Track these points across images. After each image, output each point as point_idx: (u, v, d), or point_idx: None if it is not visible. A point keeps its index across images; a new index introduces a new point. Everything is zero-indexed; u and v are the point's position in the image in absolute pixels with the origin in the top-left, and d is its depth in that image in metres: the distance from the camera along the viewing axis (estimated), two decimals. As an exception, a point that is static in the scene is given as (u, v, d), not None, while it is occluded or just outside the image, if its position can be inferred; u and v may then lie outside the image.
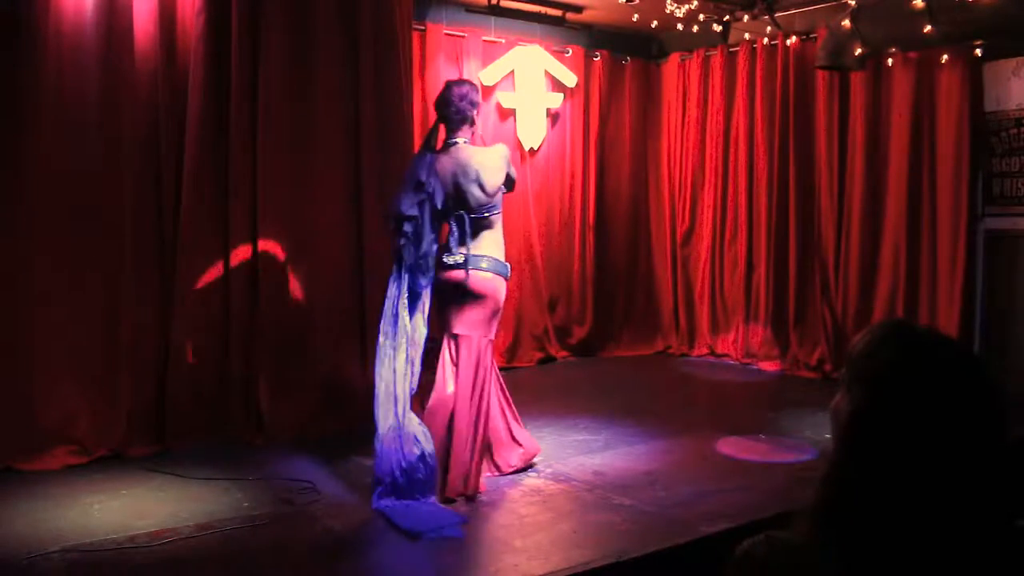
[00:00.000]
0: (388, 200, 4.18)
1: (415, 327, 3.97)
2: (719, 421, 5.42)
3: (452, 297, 4.06)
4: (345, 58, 5.21)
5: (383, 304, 3.96)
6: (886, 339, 1.15)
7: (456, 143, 4.09)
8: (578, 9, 7.20)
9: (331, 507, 3.80)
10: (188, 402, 4.72)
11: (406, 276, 3.94)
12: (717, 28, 6.65)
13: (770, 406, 5.84)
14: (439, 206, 3.98)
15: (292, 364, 5.02)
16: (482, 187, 4.00)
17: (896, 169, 6.42)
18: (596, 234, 7.72)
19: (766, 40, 7.03)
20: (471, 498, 3.92)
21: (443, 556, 3.37)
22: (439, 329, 4.19)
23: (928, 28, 5.56)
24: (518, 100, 7.19)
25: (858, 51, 5.89)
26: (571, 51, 7.53)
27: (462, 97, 4.10)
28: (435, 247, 4.01)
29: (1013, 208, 5.95)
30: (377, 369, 3.90)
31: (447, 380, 4.07)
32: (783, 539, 1.14)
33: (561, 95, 7.46)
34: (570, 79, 7.47)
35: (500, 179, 4.06)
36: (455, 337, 4.07)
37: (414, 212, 3.95)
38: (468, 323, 4.05)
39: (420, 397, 4.14)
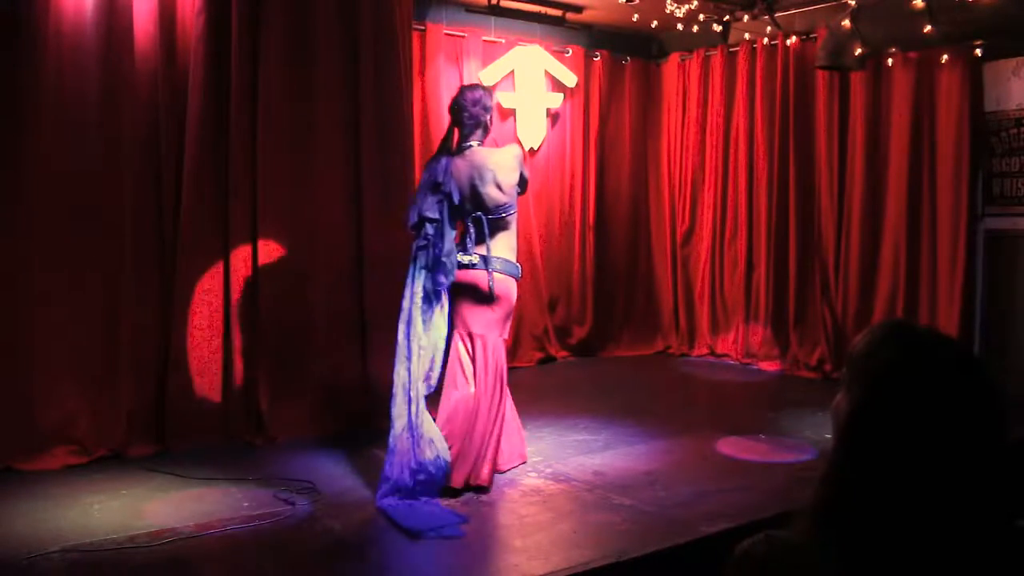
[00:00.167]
0: (407, 207, 4.24)
1: (435, 326, 4.01)
2: (719, 421, 5.42)
3: (467, 297, 4.10)
4: (345, 58, 5.21)
5: (400, 303, 4.00)
6: (886, 339, 1.15)
7: (470, 146, 4.15)
8: (578, 9, 7.20)
9: (331, 507, 3.79)
10: (188, 402, 4.72)
11: (421, 276, 3.98)
12: (717, 28, 6.65)
13: (770, 406, 5.84)
14: (456, 203, 4.04)
15: (292, 364, 5.02)
16: (499, 187, 4.06)
17: (896, 169, 6.42)
18: (596, 234, 7.72)
19: (766, 40, 7.03)
20: (483, 491, 3.97)
21: (443, 556, 3.37)
22: (451, 326, 4.23)
23: (928, 28, 5.56)
24: (518, 100, 7.19)
25: (858, 51, 5.89)
26: (571, 51, 7.53)
27: (475, 102, 4.16)
28: (455, 248, 4.06)
29: (1013, 208, 5.95)
30: (396, 368, 3.95)
31: (466, 378, 4.10)
32: (783, 539, 1.14)
33: (561, 95, 7.46)
34: (570, 79, 7.47)
35: (515, 178, 4.12)
36: (470, 335, 4.12)
37: (435, 214, 4.01)
38: (485, 323, 4.11)
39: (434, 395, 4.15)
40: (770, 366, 7.09)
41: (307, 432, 4.94)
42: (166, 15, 4.73)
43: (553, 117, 7.50)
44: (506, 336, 4.21)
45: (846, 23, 5.79)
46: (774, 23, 6.57)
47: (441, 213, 4.02)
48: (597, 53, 7.67)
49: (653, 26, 6.96)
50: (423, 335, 3.96)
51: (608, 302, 7.81)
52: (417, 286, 3.98)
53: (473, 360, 4.11)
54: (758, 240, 7.23)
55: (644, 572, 3.21)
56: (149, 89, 4.68)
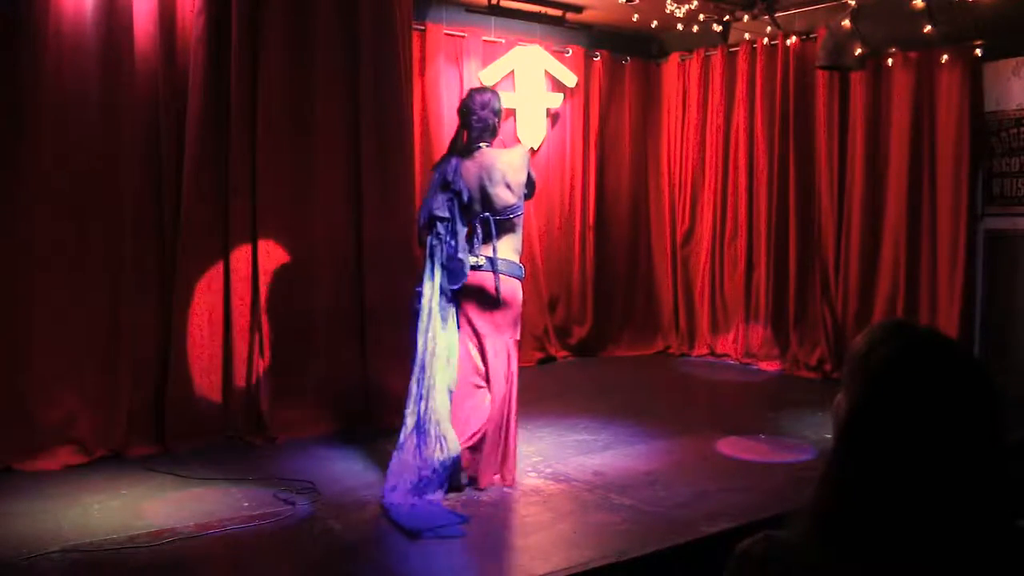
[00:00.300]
0: (419, 208, 4.30)
1: (451, 326, 4.06)
2: (719, 421, 5.42)
3: (474, 299, 4.12)
4: (345, 58, 5.21)
5: (410, 302, 4.07)
6: (885, 338, 1.15)
7: (479, 147, 4.19)
8: (578, 9, 7.20)
9: (331, 507, 3.79)
10: (188, 402, 4.72)
11: (438, 273, 4.03)
12: (717, 28, 6.65)
13: (770, 406, 5.84)
14: (465, 201, 4.08)
15: (292, 364, 5.02)
16: (508, 187, 4.09)
17: (896, 169, 6.42)
18: (596, 234, 7.72)
19: (766, 40, 7.03)
20: (509, 487, 4.06)
21: (443, 556, 3.37)
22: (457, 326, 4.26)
23: (928, 28, 5.57)
24: (518, 100, 7.19)
25: (858, 51, 5.89)
26: (571, 51, 7.53)
27: (484, 105, 4.20)
28: (464, 248, 4.09)
29: (1013, 208, 5.95)
30: (413, 366, 4.00)
31: (479, 380, 4.12)
32: (782, 538, 1.14)
33: (561, 95, 7.46)
34: (570, 79, 7.47)
35: (524, 178, 4.16)
36: (479, 337, 4.13)
37: (445, 213, 4.06)
38: (494, 326, 4.13)
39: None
40: (770, 366, 7.09)
41: (307, 432, 4.94)
42: (166, 15, 4.73)
43: (553, 117, 7.50)
44: (517, 337, 4.24)
45: (846, 23, 5.79)
46: (774, 23, 6.58)
47: (451, 211, 4.07)
48: (597, 53, 7.67)
49: (653, 26, 6.96)
50: (441, 333, 4.01)
51: (608, 302, 7.81)
52: (435, 284, 4.03)
53: (485, 362, 4.11)
54: (758, 240, 7.23)
55: (644, 572, 3.21)
56: (149, 89, 4.67)
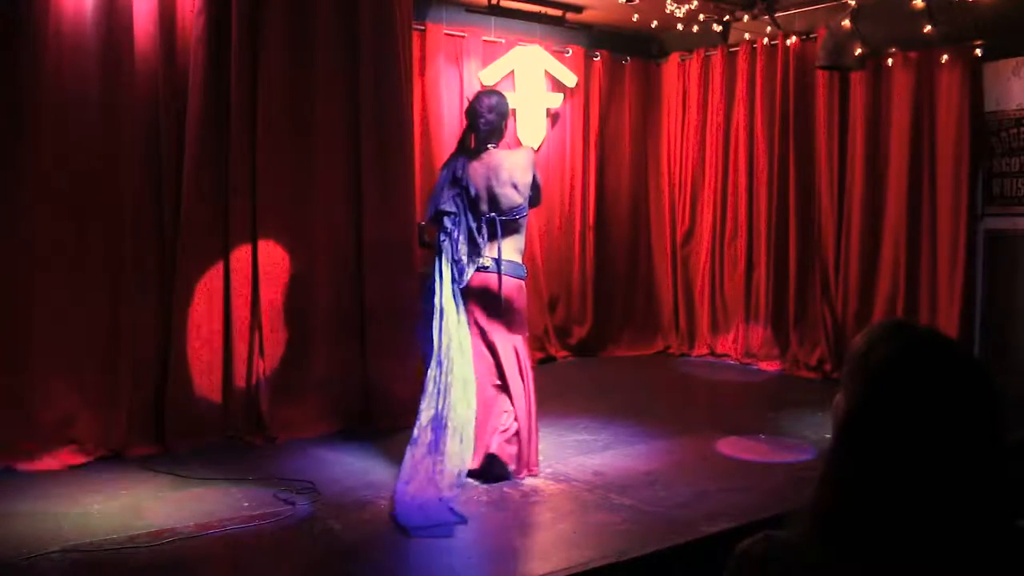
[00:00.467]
0: (425, 205, 4.40)
1: (463, 322, 4.13)
2: (719, 421, 5.42)
3: (480, 299, 4.19)
4: (345, 58, 5.21)
5: (428, 300, 4.13)
6: (884, 338, 1.15)
7: (487, 148, 4.28)
8: (578, 9, 7.20)
9: (331, 507, 3.79)
10: (188, 402, 4.72)
11: (449, 269, 4.11)
12: (717, 28, 6.65)
13: (770, 406, 5.84)
14: (472, 195, 4.16)
15: (292, 364, 5.02)
16: (515, 187, 4.19)
17: (896, 169, 6.42)
18: (596, 234, 7.72)
19: (766, 40, 7.03)
20: (534, 475, 4.20)
21: (443, 556, 3.37)
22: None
23: (928, 28, 5.57)
24: (518, 100, 7.19)
25: (858, 51, 5.89)
26: (571, 51, 7.53)
27: (491, 108, 4.30)
28: (469, 246, 4.18)
29: (1013, 208, 5.95)
30: (429, 363, 4.07)
31: (490, 378, 4.18)
32: (782, 538, 1.14)
33: (561, 95, 7.46)
34: (570, 79, 7.47)
35: (529, 178, 4.24)
36: (487, 338, 4.20)
37: (452, 207, 4.15)
38: (503, 326, 4.22)
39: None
40: (770, 366, 7.09)
41: (307, 432, 4.94)
42: (166, 15, 4.73)
43: (553, 117, 7.50)
44: (525, 334, 4.35)
45: (846, 23, 5.79)
46: (774, 23, 6.58)
47: (458, 206, 4.16)
48: (597, 53, 7.67)
49: (653, 26, 6.96)
50: (455, 328, 4.07)
51: (608, 302, 7.81)
52: (445, 280, 4.10)
53: (499, 363, 4.19)
54: (758, 240, 7.23)
55: (644, 572, 3.21)
56: (149, 89, 4.67)
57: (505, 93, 6.97)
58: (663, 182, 8.04)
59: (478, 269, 4.17)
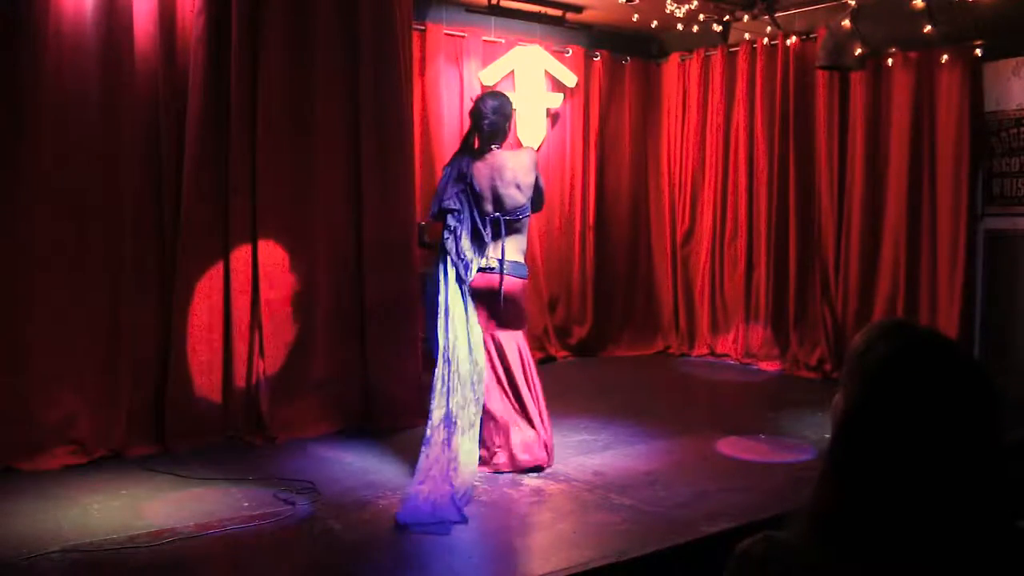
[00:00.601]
0: (427, 205, 4.52)
1: (470, 320, 4.19)
2: (719, 421, 5.42)
3: (484, 300, 4.27)
4: (345, 58, 5.21)
5: (435, 297, 4.21)
6: (881, 337, 1.15)
7: (491, 149, 4.38)
8: (578, 9, 7.20)
9: (331, 507, 3.79)
10: (188, 402, 4.72)
11: (452, 267, 4.19)
12: (717, 28, 6.65)
13: (770, 406, 5.84)
14: (477, 191, 4.25)
15: (292, 364, 5.02)
16: (519, 187, 4.29)
17: (896, 169, 6.42)
18: (596, 234, 7.72)
19: (766, 40, 7.03)
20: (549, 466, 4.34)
21: (443, 556, 3.37)
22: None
23: (928, 28, 5.57)
24: (518, 100, 7.17)
25: (858, 51, 5.89)
26: (571, 51, 7.53)
27: (495, 110, 4.40)
28: (469, 250, 4.25)
29: (1013, 208, 5.95)
30: (437, 361, 4.13)
31: (495, 378, 4.29)
32: (782, 539, 1.14)
33: (561, 95, 7.46)
34: (570, 79, 7.47)
35: (532, 179, 4.34)
36: (493, 338, 4.31)
37: (455, 204, 4.24)
38: (508, 325, 4.34)
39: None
40: (770, 366, 7.08)
41: (307, 432, 4.94)
42: (166, 15, 4.73)
43: (553, 117, 7.50)
44: (525, 328, 4.47)
45: (846, 23, 5.79)
46: (774, 23, 6.58)
47: (462, 203, 4.25)
48: (597, 53, 7.67)
49: (653, 26, 6.96)
50: (461, 326, 4.13)
51: (608, 302, 7.81)
52: (450, 278, 4.18)
53: (506, 363, 4.30)
54: (758, 240, 7.23)
55: (644, 572, 3.21)
56: (149, 89, 4.67)
57: (505, 93, 7.07)
58: (663, 182, 8.04)
59: (482, 270, 4.24)
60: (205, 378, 4.80)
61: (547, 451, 4.33)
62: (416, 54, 6.33)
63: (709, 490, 4.01)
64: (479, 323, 4.25)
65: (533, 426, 4.31)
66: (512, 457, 4.26)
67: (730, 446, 4.81)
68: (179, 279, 4.73)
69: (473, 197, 4.26)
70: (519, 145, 7.08)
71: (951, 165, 6.12)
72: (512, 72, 7.17)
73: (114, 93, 4.56)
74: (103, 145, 4.54)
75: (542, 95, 7.35)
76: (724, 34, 6.70)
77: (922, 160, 6.29)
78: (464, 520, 3.60)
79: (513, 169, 4.29)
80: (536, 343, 7.31)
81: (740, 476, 4.27)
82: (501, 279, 4.26)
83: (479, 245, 4.26)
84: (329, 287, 5.16)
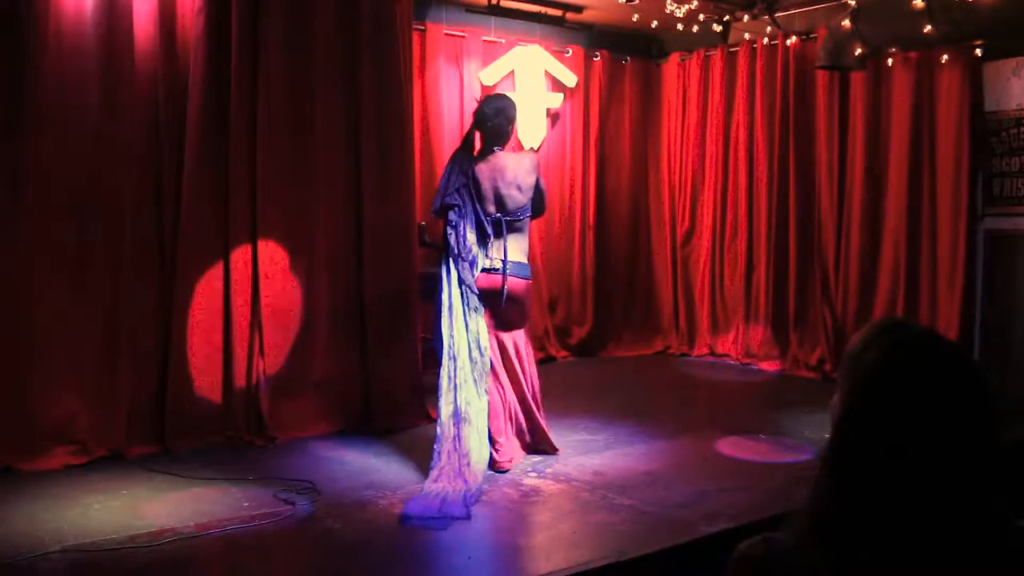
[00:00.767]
0: (429, 203, 4.60)
1: (473, 317, 4.23)
2: (719, 421, 5.42)
3: (489, 302, 4.32)
4: (345, 58, 5.21)
5: (439, 295, 4.27)
6: (877, 337, 1.15)
7: (493, 151, 4.44)
8: (578, 9, 7.20)
9: (331, 507, 3.79)
10: (188, 402, 4.72)
11: (456, 265, 4.23)
12: (717, 28, 6.65)
13: (770, 406, 5.84)
14: (479, 193, 4.32)
15: (292, 364, 5.02)
16: (519, 188, 4.36)
17: (896, 169, 6.42)
18: (596, 234, 7.72)
19: (766, 40, 7.03)
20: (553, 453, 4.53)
21: (443, 556, 3.37)
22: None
23: (928, 28, 5.57)
24: (518, 100, 7.12)
25: (858, 51, 5.89)
26: (571, 51, 7.53)
27: (498, 112, 4.47)
28: (474, 244, 4.31)
29: (1013, 208, 5.95)
30: (442, 359, 4.18)
31: (497, 377, 4.35)
32: (781, 540, 1.14)
33: (561, 95, 7.46)
34: (570, 79, 7.47)
35: (533, 180, 4.42)
36: (498, 338, 4.38)
37: (456, 200, 4.30)
38: (510, 322, 4.42)
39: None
40: (770, 366, 7.08)
41: (307, 432, 4.94)
42: (166, 15, 4.73)
43: (553, 117, 7.50)
44: (527, 326, 4.58)
45: (846, 23, 5.79)
46: (774, 23, 6.58)
47: (463, 198, 4.30)
48: (597, 53, 7.67)
49: (653, 26, 6.96)
50: (464, 324, 4.18)
51: (608, 302, 7.81)
52: (452, 276, 4.22)
53: (507, 361, 4.37)
54: (758, 240, 7.23)
55: (644, 572, 3.21)
56: (149, 89, 4.68)
57: (509, 96, 7.07)
58: (663, 182, 8.03)
59: (486, 270, 4.30)
60: (205, 378, 4.80)
61: (548, 439, 4.52)
62: (416, 54, 6.33)
63: (709, 490, 4.01)
64: (490, 323, 4.31)
65: (532, 418, 4.43)
66: (514, 450, 4.35)
67: (730, 446, 4.81)
68: (179, 279, 4.73)
69: (475, 197, 4.31)
70: (520, 147, 7.10)
71: (951, 165, 6.12)
72: (512, 72, 7.17)
73: (114, 93, 4.56)
74: (103, 145, 4.54)
75: (542, 95, 7.34)
76: (724, 34, 6.70)
77: (922, 160, 6.29)
78: (468, 517, 3.61)
79: (514, 171, 4.36)
80: (536, 343, 7.28)
81: (740, 476, 4.27)
82: (504, 279, 4.30)
83: (482, 243, 4.33)
84: (329, 287, 5.16)
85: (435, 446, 4.08)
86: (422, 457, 4.38)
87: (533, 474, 4.28)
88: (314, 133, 5.11)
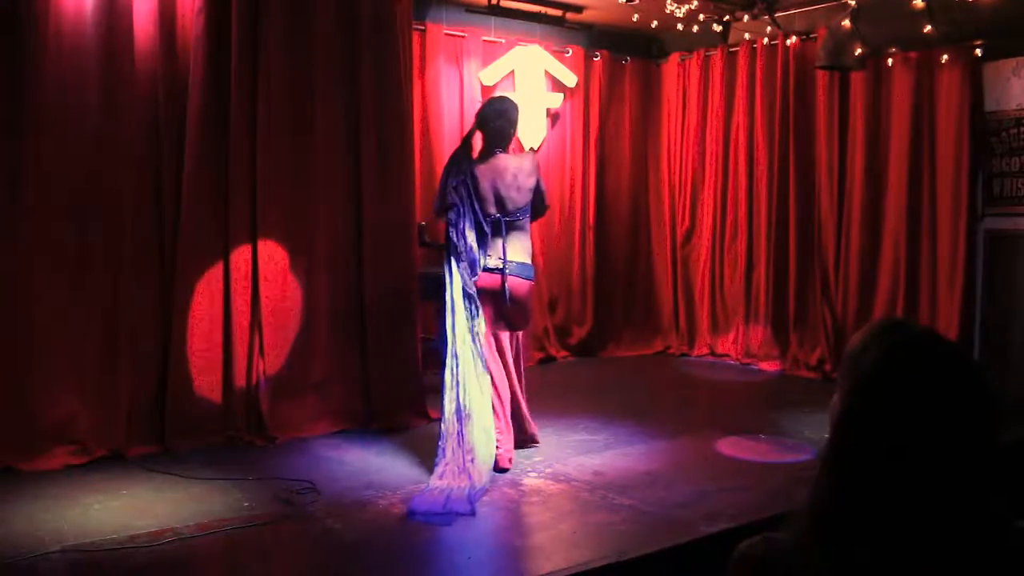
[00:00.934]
0: (430, 204, 4.66)
1: (476, 315, 4.26)
2: (719, 421, 5.42)
3: (489, 300, 4.35)
4: (345, 58, 5.21)
5: (442, 294, 4.29)
6: (876, 337, 1.15)
7: (494, 152, 4.47)
8: (578, 9, 7.20)
9: (331, 507, 3.79)
10: (188, 402, 4.72)
11: (458, 264, 4.26)
12: (717, 28, 6.65)
13: (770, 406, 5.84)
14: (479, 194, 4.34)
15: (292, 364, 5.02)
16: (519, 189, 4.40)
17: (896, 169, 6.42)
18: (596, 234, 7.72)
19: (766, 40, 7.02)
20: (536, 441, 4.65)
21: (443, 556, 3.37)
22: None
23: (928, 28, 5.57)
24: (518, 100, 7.13)
25: (858, 51, 5.89)
26: (571, 51, 7.53)
27: (500, 115, 4.51)
28: (474, 243, 4.33)
29: (1013, 208, 5.95)
30: (445, 357, 4.20)
31: (502, 375, 4.42)
32: (781, 540, 1.14)
33: (561, 95, 7.46)
34: (570, 79, 7.47)
35: (533, 181, 4.45)
36: (497, 337, 4.42)
37: (456, 199, 4.33)
38: (511, 323, 4.47)
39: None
40: (770, 366, 7.08)
41: (307, 432, 4.94)
42: (166, 15, 4.73)
43: (553, 117, 7.50)
44: (527, 327, 4.67)
45: (846, 23, 5.79)
46: (774, 23, 6.58)
47: (461, 196, 4.33)
48: (597, 53, 7.67)
49: (653, 26, 6.96)
50: (467, 322, 4.20)
51: (608, 302, 7.81)
52: (455, 275, 4.24)
53: (501, 358, 4.42)
54: (758, 240, 7.23)
55: (644, 572, 3.21)
56: (149, 89, 4.68)
57: (505, 93, 7.07)
58: (663, 182, 8.03)
59: (488, 270, 4.32)
60: (205, 378, 4.80)
61: (532, 431, 4.65)
62: (416, 54, 6.33)
63: (709, 490, 4.01)
64: (490, 323, 4.34)
65: (519, 413, 4.53)
66: (511, 447, 4.38)
67: (730, 446, 4.81)
68: (179, 279, 4.73)
69: (474, 197, 4.33)
70: (520, 148, 7.10)
71: (951, 165, 6.12)
72: (512, 72, 7.17)
73: (114, 93, 4.56)
74: (103, 145, 4.54)
75: (542, 95, 7.34)
76: (724, 34, 6.70)
77: (922, 160, 6.29)
78: (472, 513, 3.63)
79: (515, 172, 4.40)
80: (536, 343, 7.31)
81: (740, 476, 4.27)
82: (504, 280, 4.33)
83: (482, 242, 4.35)
84: (329, 287, 5.16)
85: (439, 443, 4.11)
86: (422, 457, 4.39)
87: (533, 474, 4.29)
88: (314, 133, 5.11)
